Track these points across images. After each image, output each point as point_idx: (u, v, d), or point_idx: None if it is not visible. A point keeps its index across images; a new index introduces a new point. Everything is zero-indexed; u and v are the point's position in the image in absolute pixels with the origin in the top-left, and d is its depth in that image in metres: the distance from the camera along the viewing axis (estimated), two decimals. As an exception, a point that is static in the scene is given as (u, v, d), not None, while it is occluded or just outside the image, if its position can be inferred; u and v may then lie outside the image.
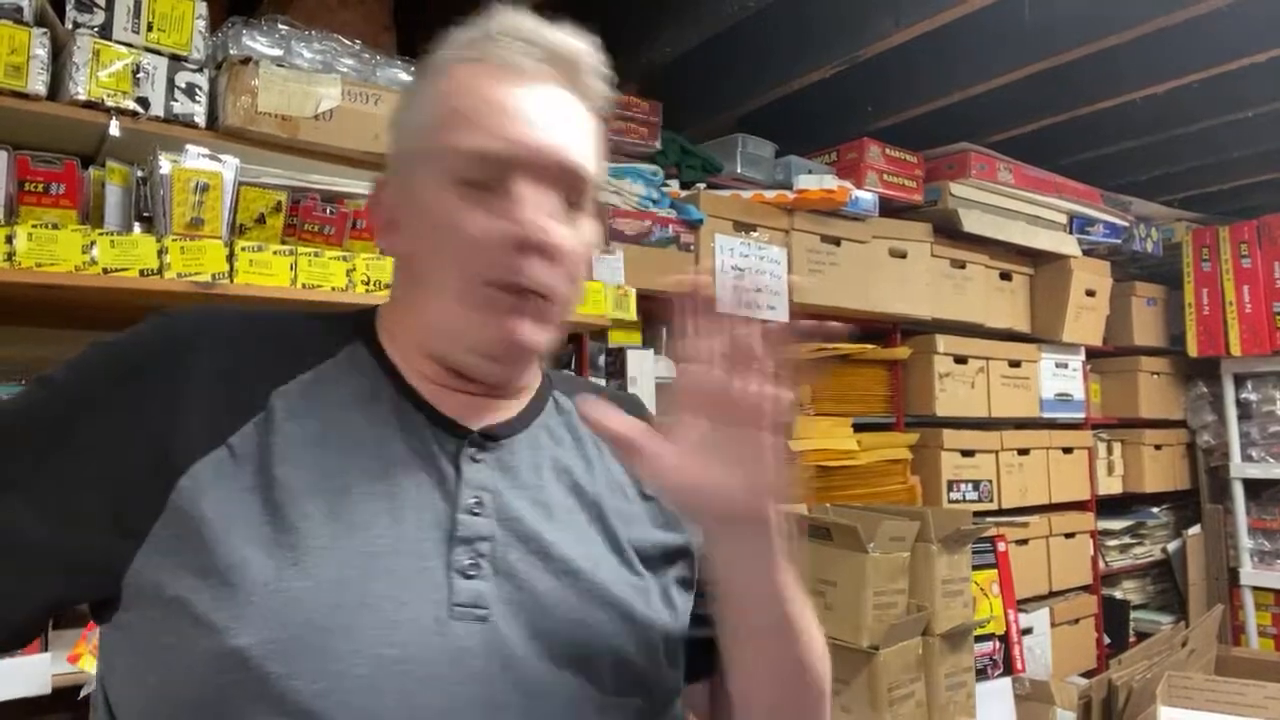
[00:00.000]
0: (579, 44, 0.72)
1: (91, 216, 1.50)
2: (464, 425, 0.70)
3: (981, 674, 2.50)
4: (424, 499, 0.65)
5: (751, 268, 2.39)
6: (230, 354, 0.66)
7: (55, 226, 1.35)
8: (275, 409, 0.64)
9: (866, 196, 2.63)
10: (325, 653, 0.57)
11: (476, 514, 0.65)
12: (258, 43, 1.58)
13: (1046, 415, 3.27)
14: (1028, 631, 2.88)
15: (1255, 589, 3.61)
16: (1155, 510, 3.87)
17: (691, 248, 2.29)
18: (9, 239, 1.30)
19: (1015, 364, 3.14)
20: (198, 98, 1.54)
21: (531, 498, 0.69)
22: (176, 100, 1.52)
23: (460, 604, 0.61)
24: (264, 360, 0.67)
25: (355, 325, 0.73)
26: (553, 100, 0.69)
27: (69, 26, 1.45)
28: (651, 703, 0.69)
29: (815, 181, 2.52)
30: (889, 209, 2.77)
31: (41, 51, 1.40)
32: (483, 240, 0.65)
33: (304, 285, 1.52)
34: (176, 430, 0.61)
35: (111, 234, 1.38)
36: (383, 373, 0.70)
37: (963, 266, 2.97)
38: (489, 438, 0.70)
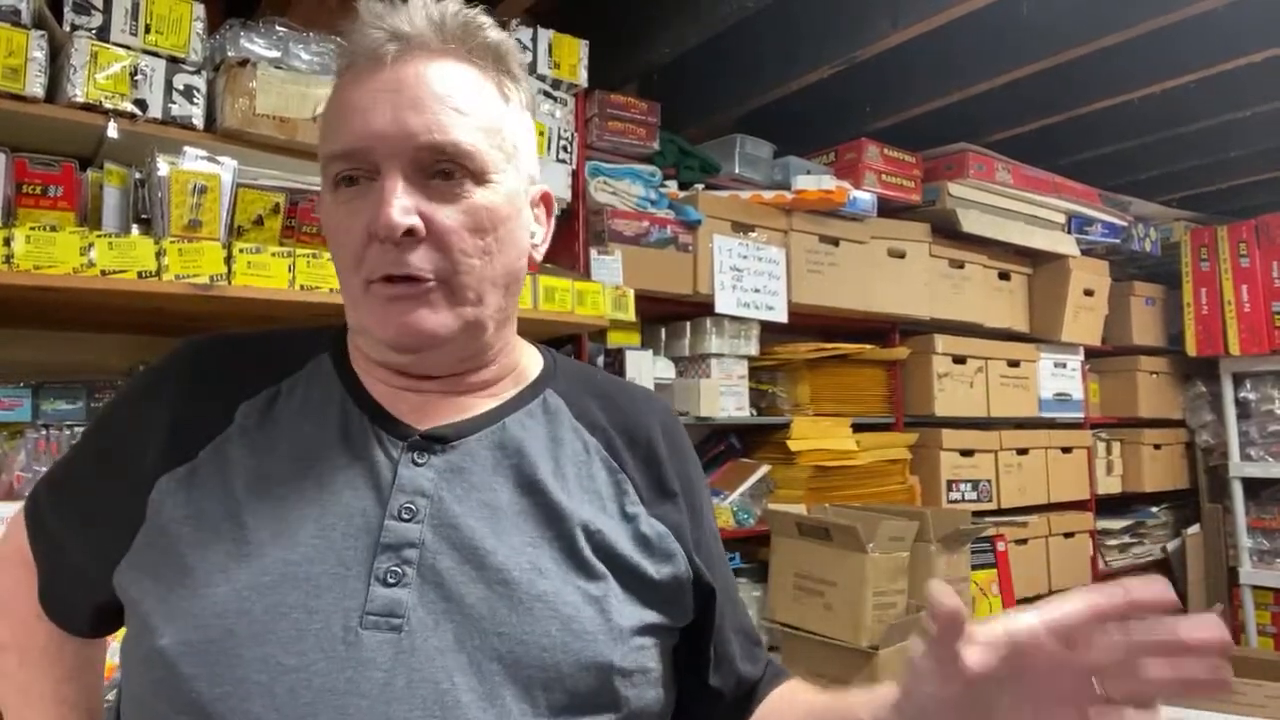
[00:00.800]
0: (434, 8, 0.68)
1: (89, 218, 1.50)
2: (411, 427, 0.69)
3: (981, 674, 2.49)
4: (355, 505, 0.64)
5: (750, 268, 2.39)
6: (212, 373, 0.72)
7: (53, 229, 1.35)
8: (236, 423, 0.68)
9: (865, 197, 2.63)
10: (231, 658, 0.58)
11: (405, 520, 0.64)
12: (255, 45, 1.58)
13: (1045, 415, 3.27)
14: (1027, 631, 2.87)
15: (1254, 588, 3.62)
16: (1154, 510, 3.87)
17: (690, 248, 2.29)
18: (7, 241, 1.30)
19: (1014, 364, 3.14)
20: (195, 100, 1.54)
21: (479, 501, 0.67)
22: (174, 102, 1.52)
23: (373, 613, 0.60)
24: (238, 377, 0.71)
25: (331, 337, 0.76)
26: (410, 79, 0.66)
27: (67, 29, 1.45)
28: None
29: (814, 182, 2.52)
30: (887, 209, 2.77)
31: (39, 54, 1.40)
32: (348, 241, 0.67)
33: (302, 287, 1.52)
34: (151, 447, 0.68)
35: (109, 236, 1.38)
36: (339, 381, 0.71)
37: (961, 266, 2.97)
38: (437, 439, 0.68)
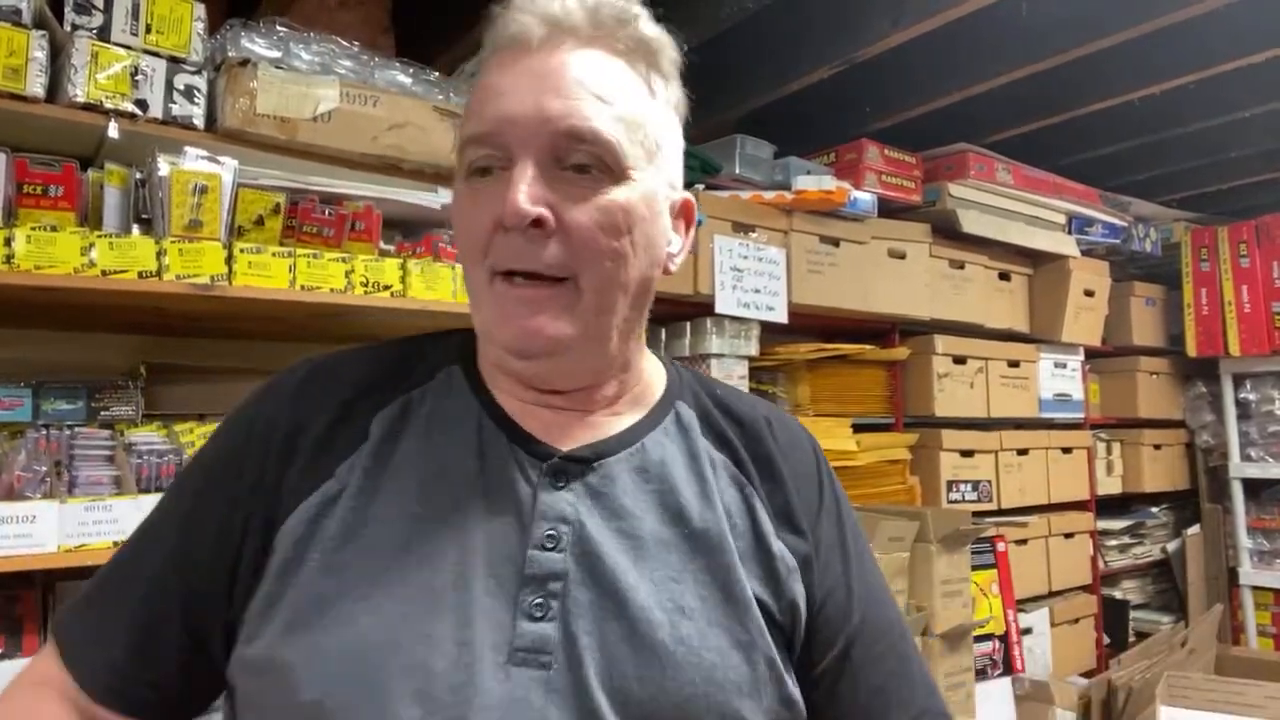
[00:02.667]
0: None
1: (90, 218, 1.50)
2: (551, 446, 0.66)
3: (981, 674, 2.50)
4: (498, 530, 0.62)
5: (750, 268, 2.39)
6: (340, 391, 0.69)
7: (54, 229, 1.35)
8: (373, 437, 0.66)
9: (865, 197, 2.63)
10: (381, 691, 0.56)
11: (549, 549, 0.61)
12: (256, 45, 1.58)
13: (1045, 415, 3.27)
14: (1027, 632, 2.88)
15: (1254, 588, 3.61)
16: (1154, 510, 3.87)
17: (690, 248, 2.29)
18: (8, 241, 1.30)
19: (1014, 364, 3.14)
20: (196, 100, 1.54)
21: (620, 530, 0.63)
22: (175, 102, 1.52)
23: (522, 649, 0.58)
24: (370, 390, 0.69)
25: (459, 345, 0.73)
26: (555, 66, 0.63)
27: (67, 29, 1.45)
28: None
29: (814, 182, 2.52)
30: (888, 209, 2.77)
31: (40, 54, 1.40)
32: (475, 230, 0.64)
33: (302, 287, 1.52)
34: (278, 470, 0.65)
35: (110, 236, 1.38)
36: (472, 393, 0.69)
37: (961, 267, 2.97)
38: (577, 460, 0.65)
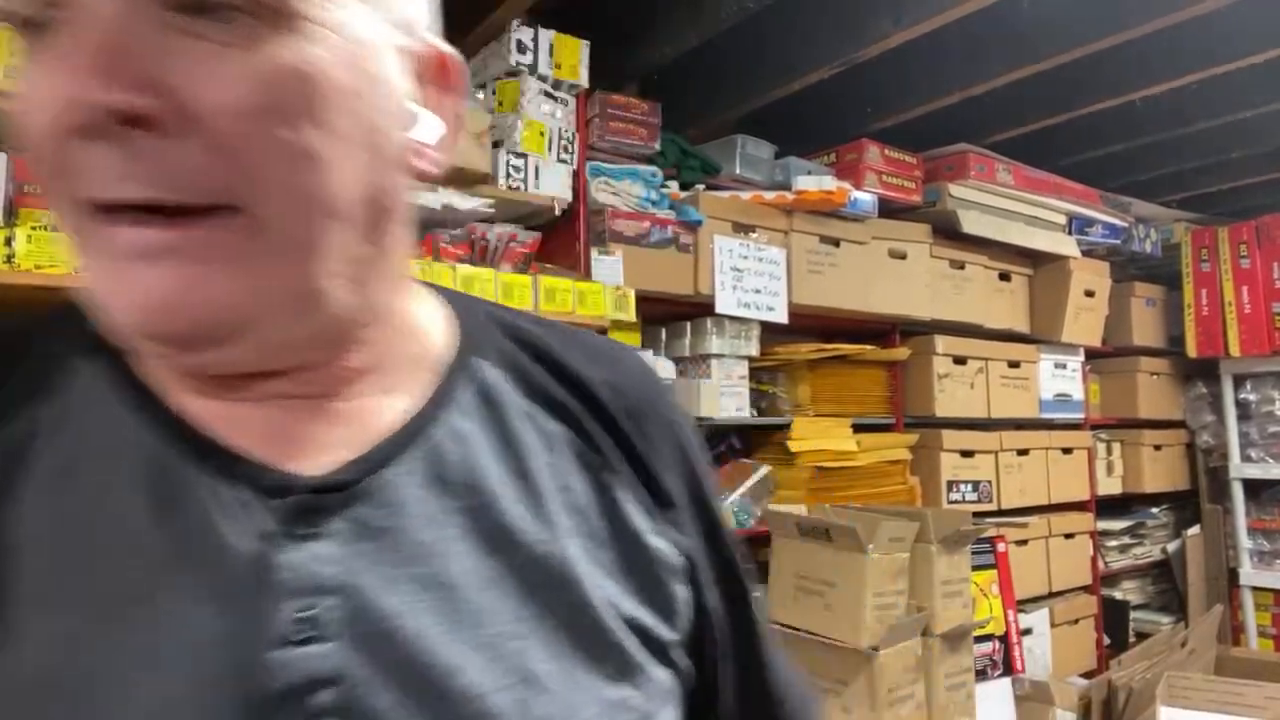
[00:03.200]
0: None
1: (91, 218, 1.50)
2: (281, 469, 0.41)
3: (981, 674, 2.50)
4: (203, 629, 0.37)
5: (750, 268, 2.39)
6: None
7: (54, 228, 1.35)
8: None
9: (865, 197, 2.63)
10: None
11: (304, 641, 0.38)
12: (257, 44, 1.58)
13: (1046, 416, 3.27)
14: (1027, 632, 2.88)
15: (1254, 589, 3.61)
16: (1155, 510, 3.87)
17: (690, 249, 2.29)
18: (8, 241, 1.30)
19: (1014, 365, 3.14)
20: (197, 99, 1.54)
21: (419, 580, 0.41)
22: (175, 102, 1.52)
23: None
24: None
25: (87, 323, 0.42)
26: None
27: (68, 28, 1.45)
28: None
29: (814, 182, 2.52)
30: (888, 210, 2.77)
31: (40, 53, 1.40)
32: (34, 133, 0.36)
33: (303, 287, 1.52)
34: None
35: (111, 236, 1.38)
36: (128, 399, 0.42)
37: (962, 267, 2.97)
38: (332, 488, 0.41)
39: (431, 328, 0.49)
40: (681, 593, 0.49)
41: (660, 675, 0.46)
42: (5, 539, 0.38)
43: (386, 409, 0.45)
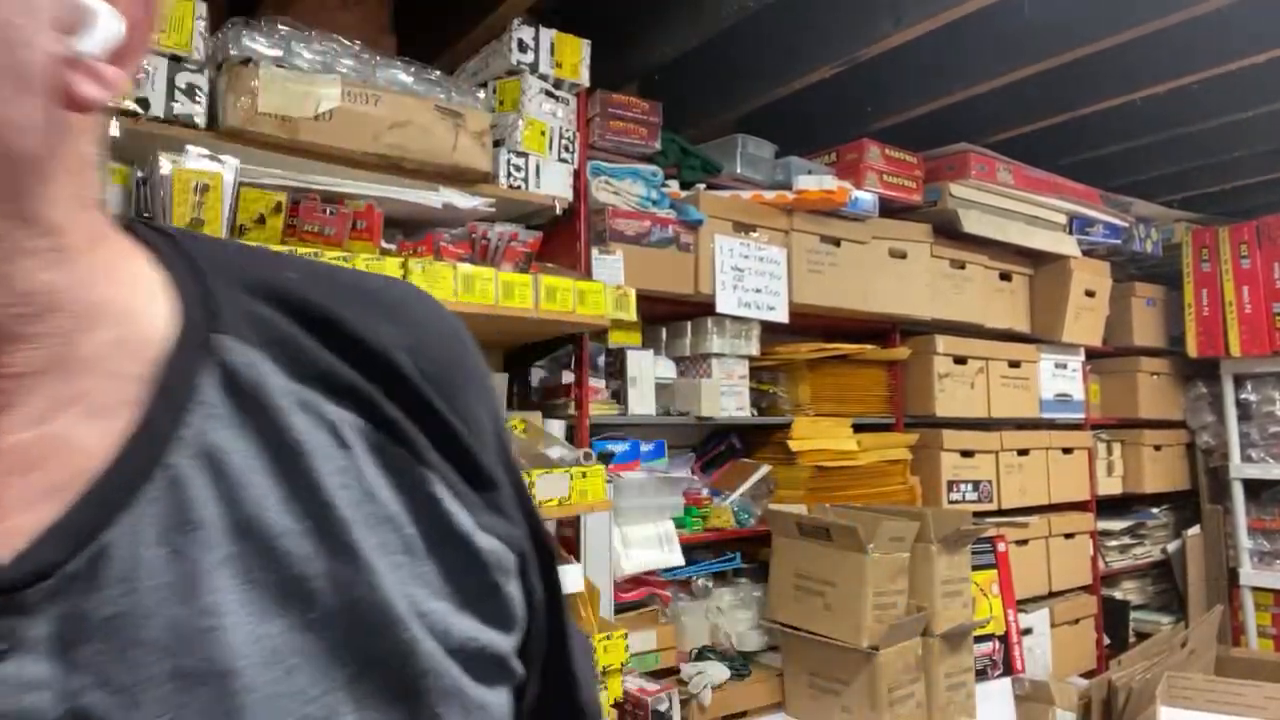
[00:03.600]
0: None
1: (91, 217, 1.50)
2: None
3: (981, 674, 2.50)
4: None
5: (751, 268, 2.39)
6: None
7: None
8: None
9: (866, 197, 2.63)
10: None
11: None
12: (257, 43, 1.59)
13: (1046, 416, 3.28)
14: (1027, 632, 2.88)
15: (1255, 589, 3.62)
16: (1155, 510, 3.87)
17: (691, 248, 2.29)
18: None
19: (1015, 364, 3.14)
20: (198, 98, 1.54)
21: (179, 675, 0.30)
22: (176, 101, 1.52)
23: None
24: None
25: None
26: None
27: (69, 27, 1.45)
28: None
29: (815, 182, 2.52)
30: (889, 209, 2.77)
31: (41, 52, 1.40)
32: None
33: (304, 286, 1.52)
34: None
35: (111, 234, 1.38)
36: None
37: (962, 267, 2.97)
38: (27, 584, 0.29)
39: (143, 301, 0.35)
40: (515, 593, 0.41)
41: (497, 702, 0.38)
42: None
43: (88, 435, 0.32)
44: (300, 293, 0.38)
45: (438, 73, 1.81)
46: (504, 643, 0.39)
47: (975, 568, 2.49)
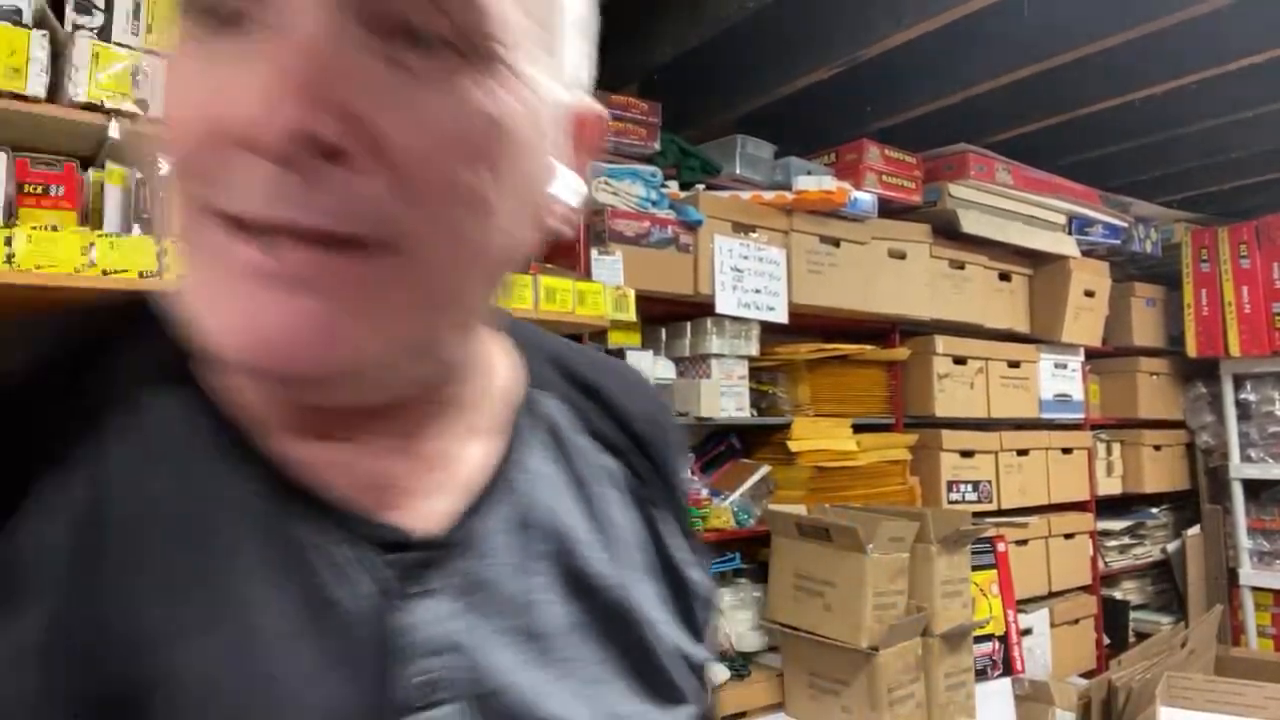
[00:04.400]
0: None
1: (91, 218, 1.50)
2: (387, 523, 0.39)
3: (981, 674, 2.50)
4: (316, 697, 0.35)
5: (750, 268, 2.39)
6: None
7: (54, 228, 1.35)
8: (48, 570, 0.34)
9: (865, 197, 2.63)
10: None
11: (430, 706, 0.37)
12: (257, 44, 1.58)
13: (1046, 416, 3.27)
14: (1027, 632, 2.88)
15: (1254, 589, 3.62)
16: (1155, 510, 3.87)
17: (690, 249, 2.29)
18: (8, 241, 1.30)
19: (1014, 364, 3.14)
20: (197, 99, 1.54)
21: (519, 631, 0.40)
22: (176, 102, 1.52)
23: None
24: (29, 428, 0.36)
25: (156, 335, 0.39)
26: None
27: (68, 29, 1.45)
28: None
29: (814, 182, 2.52)
30: (888, 210, 2.77)
31: (41, 54, 1.40)
32: (186, 128, 0.34)
33: (303, 287, 1.52)
34: None
35: (111, 236, 1.38)
36: (228, 447, 0.38)
37: (962, 267, 2.97)
38: (438, 545, 0.40)
39: (498, 363, 0.47)
40: (710, 620, 0.52)
41: (694, 707, 0.47)
42: (108, 569, 0.34)
43: (468, 453, 0.43)
44: (579, 367, 0.51)
45: (437, 73, 1.81)
46: (701, 654, 0.49)
47: (975, 568, 2.49)
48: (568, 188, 0.42)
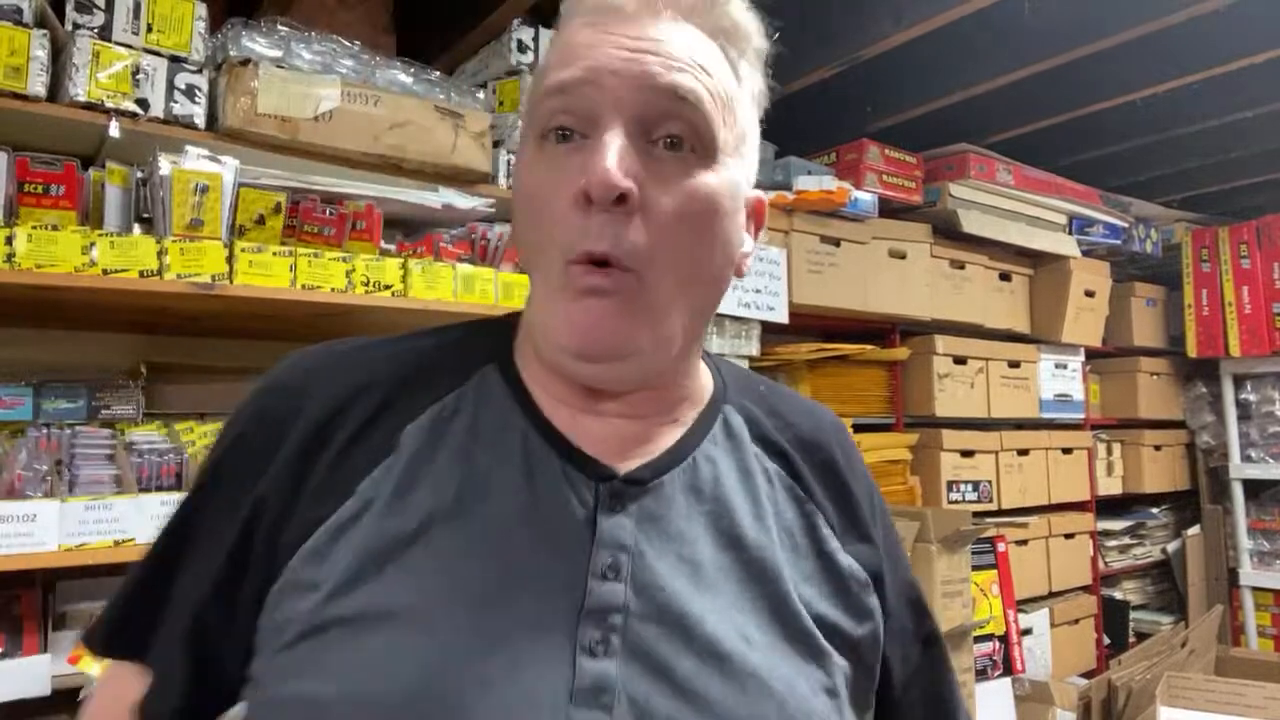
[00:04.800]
0: None
1: (91, 218, 1.50)
2: (605, 465, 0.59)
3: (981, 674, 2.50)
4: (552, 560, 0.56)
5: (750, 268, 2.39)
6: (370, 388, 0.61)
7: (55, 228, 1.35)
8: (404, 449, 0.58)
9: (866, 197, 2.63)
10: None
11: (610, 579, 0.55)
12: (257, 44, 1.58)
13: (1046, 416, 3.27)
14: (1027, 632, 2.88)
15: (1255, 589, 3.62)
16: (1155, 511, 3.87)
17: (691, 248, 2.29)
18: (9, 240, 1.30)
19: (1014, 364, 3.14)
20: (197, 99, 1.54)
21: (678, 555, 0.58)
22: (176, 101, 1.52)
23: (583, 689, 0.52)
24: (399, 392, 0.61)
25: (495, 339, 0.65)
26: (650, 32, 0.57)
27: (68, 28, 1.45)
28: None
29: (814, 182, 2.52)
30: (888, 210, 2.77)
31: (41, 53, 1.40)
32: (550, 203, 0.56)
33: (303, 286, 1.52)
34: (295, 506, 0.57)
35: (111, 235, 1.38)
36: (514, 399, 0.61)
37: (962, 267, 2.97)
38: (633, 483, 0.59)
39: (704, 382, 0.67)
40: (871, 602, 0.64)
41: (842, 663, 0.61)
42: (428, 480, 0.57)
43: (670, 436, 0.63)
44: (766, 394, 0.71)
45: (437, 73, 1.81)
46: (852, 627, 0.62)
47: (975, 568, 2.49)
48: (748, 246, 0.65)
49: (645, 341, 0.57)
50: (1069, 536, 3.23)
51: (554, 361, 0.60)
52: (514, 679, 0.51)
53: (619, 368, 0.58)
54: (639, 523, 0.58)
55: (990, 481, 2.97)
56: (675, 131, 0.56)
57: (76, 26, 1.45)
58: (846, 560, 0.64)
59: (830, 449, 0.69)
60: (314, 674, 0.52)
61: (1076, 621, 3.18)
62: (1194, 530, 3.86)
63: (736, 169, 0.61)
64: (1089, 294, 3.36)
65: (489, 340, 0.65)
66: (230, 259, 1.46)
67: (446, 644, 0.52)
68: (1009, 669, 2.63)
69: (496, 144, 1.90)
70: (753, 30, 0.65)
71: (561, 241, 0.55)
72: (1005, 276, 3.18)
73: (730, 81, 0.61)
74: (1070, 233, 3.32)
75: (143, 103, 1.49)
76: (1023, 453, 3.12)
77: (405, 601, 0.53)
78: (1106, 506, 3.61)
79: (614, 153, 0.54)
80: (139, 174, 1.52)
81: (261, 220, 1.55)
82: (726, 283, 0.63)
